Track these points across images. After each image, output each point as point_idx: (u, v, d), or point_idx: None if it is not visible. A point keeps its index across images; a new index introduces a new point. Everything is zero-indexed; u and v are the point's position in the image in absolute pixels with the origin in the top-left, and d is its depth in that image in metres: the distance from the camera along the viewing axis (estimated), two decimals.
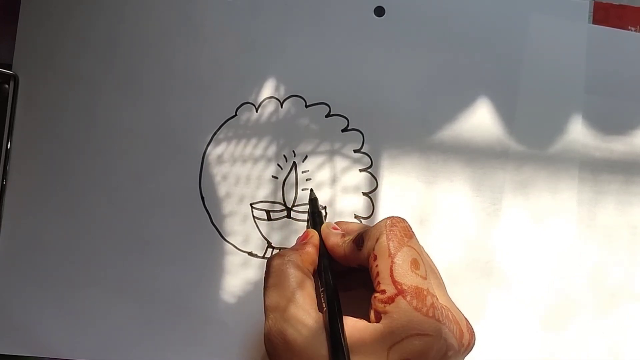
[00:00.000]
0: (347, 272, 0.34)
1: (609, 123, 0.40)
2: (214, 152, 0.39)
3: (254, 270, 0.39)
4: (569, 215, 0.39)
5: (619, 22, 0.41)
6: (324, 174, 0.39)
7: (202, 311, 0.38)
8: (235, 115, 0.40)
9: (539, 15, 0.41)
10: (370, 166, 0.40)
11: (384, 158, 0.40)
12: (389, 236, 0.30)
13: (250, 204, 0.39)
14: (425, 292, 0.28)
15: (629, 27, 0.41)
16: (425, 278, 0.29)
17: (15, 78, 0.40)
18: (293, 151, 0.40)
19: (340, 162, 0.40)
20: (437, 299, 0.29)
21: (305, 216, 0.39)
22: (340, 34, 0.41)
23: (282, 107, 0.40)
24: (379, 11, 0.41)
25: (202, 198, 0.39)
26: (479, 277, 0.39)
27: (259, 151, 0.39)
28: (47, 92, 0.40)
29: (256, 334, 0.38)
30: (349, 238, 0.32)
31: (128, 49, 0.40)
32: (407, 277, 0.28)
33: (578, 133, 0.40)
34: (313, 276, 0.32)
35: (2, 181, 0.40)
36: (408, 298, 0.28)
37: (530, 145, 0.40)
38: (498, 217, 0.39)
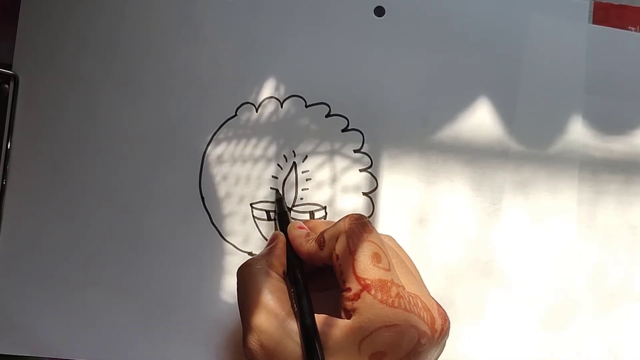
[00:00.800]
0: (322, 272, 0.34)
1: (609, 123, 0.40)
2: (214, 152, 0.39)
3: None
4: (569, 215, 0.39)
5: (619, 22, 0.41)
6: (324, 174, 0.39)
7: (202, 311, 0.38)
8: (235, 115, 0.40)
9: (539, 15, 0.41)
10: (370, 166, 0.40)
11: (384, 158, 0.40)
12: (348, 234, 0.30)
13: (250, 204, 0.39)
14: (389, 284, 0.28)
15: (629, 27, 0.41)
16: (388, 270, 0.29)
17: (15, 78, 0.40)
18: (293, 151, 0.40)
19: (340, 162, 0.40)
20: (404, 289, 0.29)
21: (305, 216, 0.39)
22: (340, 34, 0.41)
23: (282, 107, 0.40)
24: (379, 11, 0.41)
25: (202, 198, 0.39)
26: (479, 277, 0.39)
27: (259, 151, 0.39)
28: (47, 92, 0.40)
29: None
30: (312, 238, 0.32)
31: (128, 49, 0.40)
32: (369, 271, 0.29)
33: (578, 133, 0.40)
34: (284, 278, 0.32)
35: (2, 181, 0.40)
36: (372, 292, 0.28)
37: (530, 145, 0.40)
38: (498, 217, 0.39)
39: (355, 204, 0.39)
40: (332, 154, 0.40)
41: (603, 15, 0.41)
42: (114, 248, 0.39)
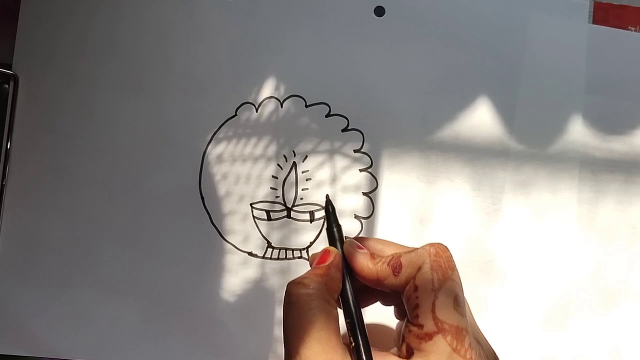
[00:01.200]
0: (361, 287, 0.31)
1: (609, 123, 0.40)
2: (214, 151, 0.39)
3: (253, 270, 0.39)
4: (569, 215, 0.39)
5: (618, 22, 0.41)
6: (323, 174, 0.39)
7: (202, 311, 0.38)
8: (235, 115, 0.40)
9: (539, 15, 0.41)
10: (370, 166, 0.40)
11: (384, 158, 0.40)
12: (433, 267, 0.27)
13: (250, 204, 0.39)
14: (464, 333, 0.26)
15: (629, 27, 0.41)
16: (464, 316, 0.27)
17: (15, 78, 0.40)
18: (293, 151, 0.40)
19: (340, 162, 0.40)
20: (473, 338, 0.27)
21: (305, 216, 0.39)
22: (340, 34, 0.41)
23: (282, 107, 0.40)
24: (379, 11, 0.41)
25: (202, 198, 0.39)
26: (479, 276, 0.39)
27: (258, 151, 0.39)
28: (47, 92, 0.40)
29: (256, 334, 0.38)
30: (380, 260, 0.29)
31: (128, 48, 0.40)
32: (449, 315, 0.26)
33: (578, 133, 0.40)
34: (338, 303, 0.29)
35: (2, 181, 0.40)
36: (448, 339, 0.26)
37: (530, 145, 0.40)
38: (498, 216, 0.39)
39: (355, 204, 0.39)
40: (332, 153, 0.40)
41: (603, 15, 0.41)
42: (113, 248, 0.39)
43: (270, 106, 0.40)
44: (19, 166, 0.40)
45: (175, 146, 0.40)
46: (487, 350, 0.28)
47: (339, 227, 0.32)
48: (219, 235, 0.39)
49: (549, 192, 0.39)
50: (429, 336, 0.26)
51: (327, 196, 0.34)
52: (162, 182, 0.39)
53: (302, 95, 0.40)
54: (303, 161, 0.39)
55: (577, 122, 0.40)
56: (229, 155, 0.39)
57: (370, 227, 0.39)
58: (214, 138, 0.40)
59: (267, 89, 0.40)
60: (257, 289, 0.38)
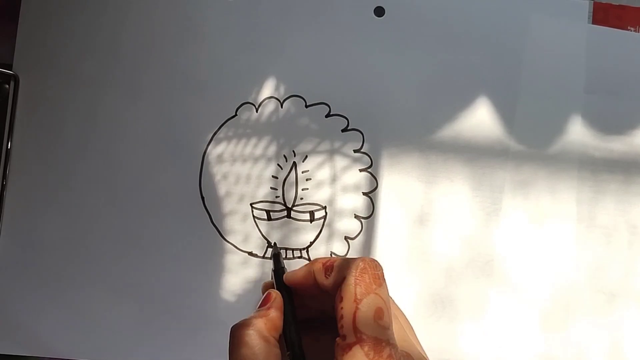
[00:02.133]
0: (313, 322, 0.33)
1: (608, 123, 0.40)
2: (214, 151, 0.39)
3: (253, 270, 0.39)
4: (569, 215, 0.39)
5: (618, 22, 0.41)
6: (323, 174, 0.39)
7: (202, 311, 0.38)
8: (236, 115, 0.40)
9: (539, 15, 0.41)
10: (370, 166, 0.40)
11: (384, 158, 0.40)
12: (357, 280, 0.29)
13: (251, 204, 0.39)
14: (384, 344, 0.27)
15: (629, 27, 0.41)
16: (387, 328, 0.28)
17: (15, 78, 0.40)
18: (293, 151, 0.40)
19: (340, 162, 0.40)
20: (397, 349, 0.28)
21: (305, 216, 0.39)
22: (340, 34, 0.41)
23: (282, 107, 0.40)
24: (379, 11, 0.41)
25: (202, 198, 0.39)
26: (479, 276, 0.39)
27: (259, 151, 0.39)
28: (47, 92, 0.40)
29: None
30: (318, 261, 0.31)
31: (128, 48, 0.40)
32: (368, 326, 0.28)
33: (578, 133, 0.40)
34: (279, 342, 0.31)
35: (3, 181, 0.40)
36: (365, 349, 0.27)
37: (530, 145, 0.40)
38: (498, 216, 0.39)
39: (355, 203, 0.39)
40: (332, 153, 0.40)
41: (602, 15, 0.41)
42: (114, 248, 0.39)
43: (270, 106, 0.40)
44: (19, 166, 0.40)
45: (176, 146, 0.40)
46: None
47: (282, 269, 0.34)
48: (219, 235, 0.39)
49: (549, 192, 0.39)
50: (349, 347, 0.27)
51: (275, 244, 0.38)
52: (163, 182, 0.39)
53: (302, 95, 0.40)
54: (303, 161, 0.40)
55: (576, 122, 0.40)
56: (229, 155, 0.39)
57: (370, 227, 0.39)
58: (214, 138, 0.40)
59: (267, 89, 0.40)
60: (257, 289, 0.38)
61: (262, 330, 0.30)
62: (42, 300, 0.39)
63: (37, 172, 0.40)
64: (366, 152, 0.40)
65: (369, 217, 0.39)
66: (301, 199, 0.39)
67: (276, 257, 0.35)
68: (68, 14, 0.41)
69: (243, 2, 0.41)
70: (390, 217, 0.39)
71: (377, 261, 0.30)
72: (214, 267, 0.39)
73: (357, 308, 0.28)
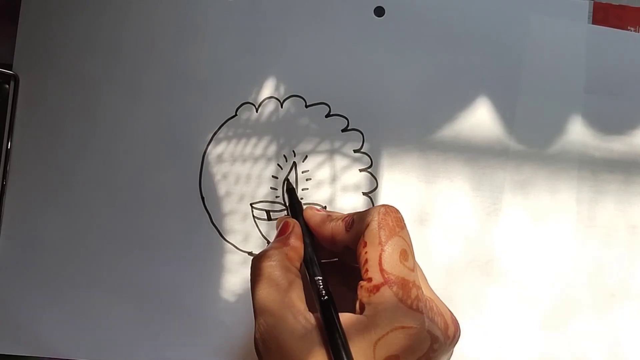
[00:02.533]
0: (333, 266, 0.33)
1: (608, 123, 0.40)
2: (214, 151, 0.40)
3: None
4: (569, 215, 0.39)
5: (618, 22, 0.41)
6: (323, 174, 0.39)
7: (202, 311, 0.38)
8: (236, 115, 0.40)
9: (539, 15, 0.41)
10: (370, 166, 0.40)
11: (384, 158, 0.40)
12: (380, 224, 0.29)
13: (250, 204, 0.39)
14: (410, 284, 0.28)
15: (629, 27, 0.41)
16: (412, 270, 0.28)
17: (15, 78, 0.40)
18: (293, 151, 0.40)
19: (340, 162, 0.40)
20: (422, 292, 0.28)
21: None
22: (340, 34, 0.41)
23: (282, 107, 0.40)
24: (379, 11, 0.41)
25: (202, 198, 0.39)
26: (478, 276, 0.39)
27: (259, 151, 0.40)
28: (47, 92, 0.40)
29: None
30: (336, 218, 0.31)
31: (128, 48, 0.41)
32: (395, 267, 0.28)
33: (578, 133, 0.40)
34: (300, 271, 0.31)
35: (3, 181, 0.40)
36: (394, 289, 0.27)
37: (530, 145, 0.40)
38: (498, 216, 0.39)
39: (355, 203, 0.39)
40: (332, 153, 0.40)
41: (602, 15, 0.41)
42: (113, 248, 0.39)
43: (270, 106, 0.40)
44: (19, 166, 0.40)
45: (176, 146, 0.40)
46: (444, 311, 0.29)
47: (299, 202, 0.35)
48: (219, 235, 0.39)
49: (549, 192, 0.39)
50: (377, 288, 0.27)
51: (288, 180, 0.38)
52: (163, 182, 0.39)
53: (302, 96, 0.40)
54: (303, 161, 0.40)
55: (576, 122, 0.40)
56: (229, 155, 0.39)
57: None
58: (214, 138, 0.40)
59: (267, 89, 0.40)
60: None
61: (284, 260, 0.30)
62: (42, 300, 0.39)
63: (37, 172, 0.40)
64: (366, 152, 0.40)
65: None
66: (301, 198, 0.39)
67: (291, 192, 0.36)
68: (68, 14, 0.41)
69: (243, 2, 0.41)
70: None
71: (396, 207, 0.30)
72: (214, 267, 0.39)
73: (382, 250, 0.28)
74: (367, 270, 0.28)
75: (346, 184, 0.39)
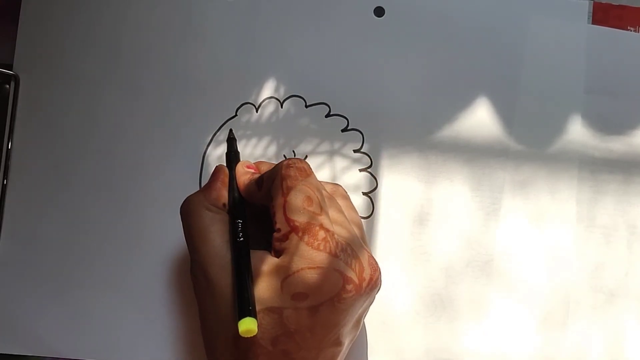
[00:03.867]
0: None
1: (608, 123, 0.40)
2: (214, 152, 0.40)
3: None
4: (568, 215, 0.39)
5: (618, 23, 0.41)
6: (323, 174, 0.39)
7: None
8: (236, 115, 0.40)
9: (538, 16, 0.41)
10: (370, 166, 0.40)
11: (384, 158, 0.40)
12: (283, 176, 0.30)
13: None
14: (317, 228, 0.29)
15: (629, 28, 0.41)
16: (319, 214, 0.29)
17: (16, 78, 0.40)
18: (293, 151, 0.40)
19: (340, 162, 0.40)
20: (333, 234, 0.29)
21: None
22: (340, 34, 0.41)
23: (282, 107, 0.40)
24: (379, 11, 0.41)
25: None
26: (478, 276, 0.39)
27: (259, 151, 0.40)
28: (47, 92, 0.40)
29: None
30: (254, 176, 0.33)
31: (128, 49, 0.41)
32: (298, 213, 0.29)
33: (577, 133, 0.40)
34: (225, 211, 0.33)
35: (3, 181, 0.40)
36: (300, 234, 0.29)
37: (530, 145, 0.40)
38: (497, 216, 0.39)
39: (355, 203, 0.39)
40: (331, 153, 0.40)
41: (602, 15, 0.41)
42: (114, 248, 0.39)
43: (270, 107, 0.40)
44: (20, 166, 0.40)
45: (176, 147, 0.40)
46: (361, 255, 0.30)
47: (236, 153, 0.36)
48: None
49: (549, 192, 0.40)
50: (285, 236, 0.29)
51: (231, 130, 0.38)
52: (163, 183, 0.39)
53: (302, 96, 0.40)
54: None
55: (576, 122, 0.40)
56: None
57: (370, 227, 0.39)
58: (214, 139, 0.40)
59: (267, 90, 0.40)
60: None
61: (203, 201, 0.32)
62: (42, 300, 0.39)
63: (37, 172, 0.40)
64: (366, 152, 0.40)
65: (368, 217, 0.39)
66: None
67: (230, 142, 0.37)
68: (68, 14, 0.41)
69: (243, 2, 0.41)
70: (390, 217, 0.39)
71: (301, 159, 0.32)
72: None
73: (285, 200, 0.30)
74: (275, 222, 0.30)
75: (346, 184, 0.39)
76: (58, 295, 0.39)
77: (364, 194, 0.39)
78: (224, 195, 0.33)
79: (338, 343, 0.30)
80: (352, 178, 0.40)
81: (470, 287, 0.39)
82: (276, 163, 0.33)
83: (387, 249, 0.39)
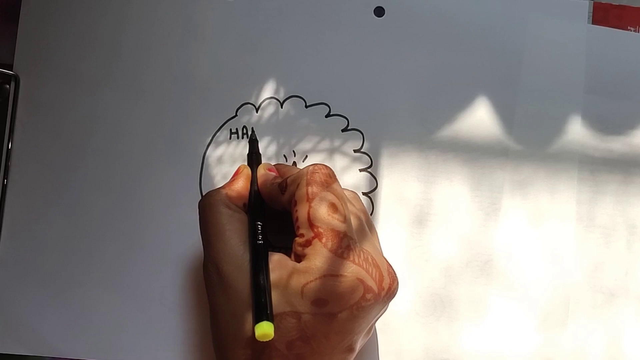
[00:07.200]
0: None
1: (608, 123, 0.40)
2: (215, 153, 0.40)
3: None
4: (568, 215, 0.39)
5: (618, 23, 0.41)
6: None
7: (203, 311, 0.38)
8: (236, 115, 0.40)
9: (538, 16, 0.41)
10: (370, 166, 0.40)
11: (384, 158, 0.40)
12: (308, 182, 0.30)
13: None
14: (341, 235, 0.29)
15: (629, 27, 0.41)
16: (343, 222, 0.29)
17: (16, 78, 0.40)
18: (293, 151, 0.40)
19: (340, 162, 0.40)
20: (356, 242, 0.29)
21: None
22: (340, 34, 0.41)
23: (282, 107, 0.40)
24: (379, 11, 0.41)
25: None
26: (478, 276, 0.39)
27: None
28: (48, 92, 0.40)
29: None
30: (277, 181, 0.33)
31: (128, 49, 0.41)
32: (323, 220, 0.29)
33: (577, 133, 0.40)
34: (245, 210, 0.32)
35: (3, 181, 0.40)
36: (323, 240, 0.28)
37: (530, 145, 0.40)
38: (497, 216, 0.39)
39: None
40: (332, 153, 0.40)
41: (602, 15, 0.41)
42: (114, 248, 0.39)
43: (270, 107, 0.40)
44: (20, 166, 0.40)
45: (176, 147, 0.40)
46: (381, 263, 0.30)
47: (258, 154, 0.36)
48: None
49: (548, 192, 0.40)
50: (308, 242, 0.29)
51: (252, 129, 0.39)
52: (163, 183, 0.39)
53: (302, 96, 0.40)
54: (303, 161, 0.40)
55: (576, 122, 0.40)
56: (229, 156, 0.40)
57: None
58: (214, 139, 0.40)
59: (267, 90, 0.40)
60: None
61: (223, 198, 0.32)
62: (43, 300, 0.39)
63: (37, 172, 0.40)
64: (366, 152, 0.40)
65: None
66: None
67: (252, 143, 0.36)
68: (68, 14, 0.41)
69: (243, 2, 0.41)
70: (390, 217, 0.39)
71: (326, 165, 0.32)
72: None
73: (310, 206, 0.29)
74: (298, 227, 0.30)
75: (346, 183, 0.39)
76: (58, 295, 0.39)
77: (364, 193, 0.40)
78: (244, 195, 0.33)
79: (350, 349, 0.30)
80: (352, 178, 0.40)
81: (470, 287, 0.39)
82: (298, 168, 0.32)
83: (386, 248, 0.39)
